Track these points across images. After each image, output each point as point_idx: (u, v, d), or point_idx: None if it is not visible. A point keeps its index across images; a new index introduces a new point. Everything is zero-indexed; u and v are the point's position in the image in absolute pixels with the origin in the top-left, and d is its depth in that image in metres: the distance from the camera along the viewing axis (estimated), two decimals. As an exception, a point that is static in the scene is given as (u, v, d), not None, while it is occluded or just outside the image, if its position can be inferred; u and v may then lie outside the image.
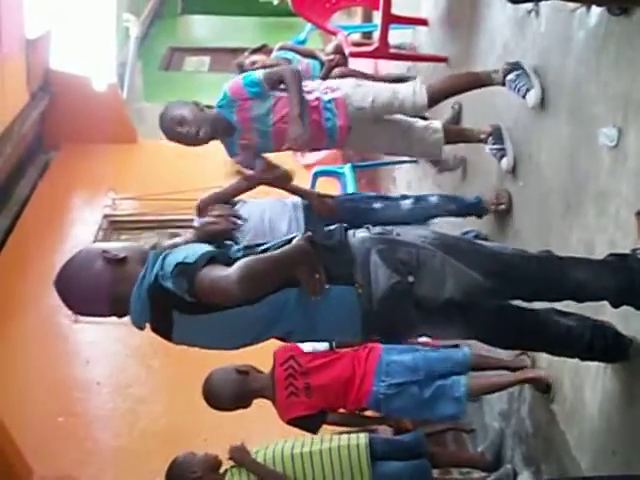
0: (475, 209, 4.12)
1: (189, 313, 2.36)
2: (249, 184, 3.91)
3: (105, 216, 6.71)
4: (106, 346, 5.28)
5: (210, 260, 2.31)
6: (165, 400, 4.95)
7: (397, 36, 5.29)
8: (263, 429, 4.60)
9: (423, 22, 5.35)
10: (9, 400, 4.42)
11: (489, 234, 4.16)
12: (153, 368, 5.10)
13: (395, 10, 4.79)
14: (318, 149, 4.60)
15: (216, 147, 3.91)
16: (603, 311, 2.78)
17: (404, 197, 4.22)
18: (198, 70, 10.27)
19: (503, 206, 3.95)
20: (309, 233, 2.44)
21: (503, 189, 4.00)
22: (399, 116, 4.02)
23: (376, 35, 4.95)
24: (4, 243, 6.14)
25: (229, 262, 2.31)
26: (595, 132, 2.95)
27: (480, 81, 3.88)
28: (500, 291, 2.58)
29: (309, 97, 3.81)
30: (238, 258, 2.35)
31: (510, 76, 3.62)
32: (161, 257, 2.39)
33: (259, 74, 3.78)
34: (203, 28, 11.55)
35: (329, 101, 3.83)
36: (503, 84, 3.70)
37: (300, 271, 2.38)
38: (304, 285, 2.39)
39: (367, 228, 2.62)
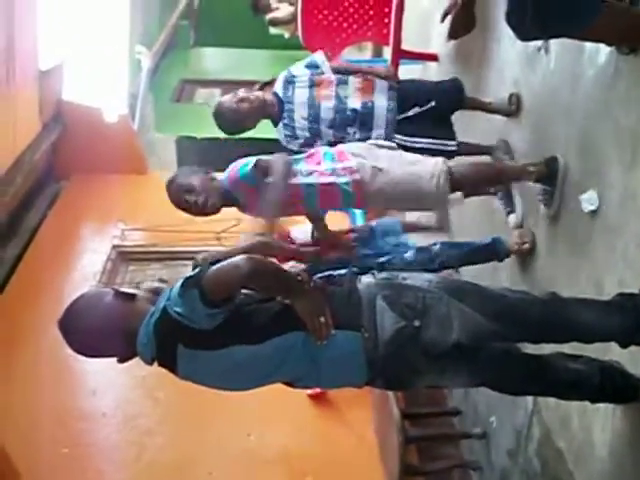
0: (491, 251, 3.88)
1: (194, 348, 2.36)
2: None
3: (114, 247, 6.72)
4: (112, 377, 5.26)
5: None
6: (171, 432, 4.92)
7: (407, 71, 5.31)
8: (267, 464, 4.59)
9: (433, 57, 5.38)
10: (15, 430, 4.40)
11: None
12: (159, 400, 5.08)
13: (405, 45, 4.83)
14: None
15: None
16: (611, 351, 2.77)
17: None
18: (209, 102, 10.32)
19: (527, 245, 3.74)
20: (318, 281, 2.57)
21: (525, 229, 3.82)
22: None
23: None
24: (13, 272, 6.15)
25: None
26: (603, 170, 2.96)
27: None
28: (505, 334, 2.55)
29: (323, 179, 3.50)
30: None
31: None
32: (168, 290, 2.40)
33: (251, 164, 3.44)
34: (214, 61, 11.61)
35: (347, 183, 3.48)
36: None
37: (301, 310, 2.38)
38: (309, 329, 2.38)
39: (372, 273, 2.63)
